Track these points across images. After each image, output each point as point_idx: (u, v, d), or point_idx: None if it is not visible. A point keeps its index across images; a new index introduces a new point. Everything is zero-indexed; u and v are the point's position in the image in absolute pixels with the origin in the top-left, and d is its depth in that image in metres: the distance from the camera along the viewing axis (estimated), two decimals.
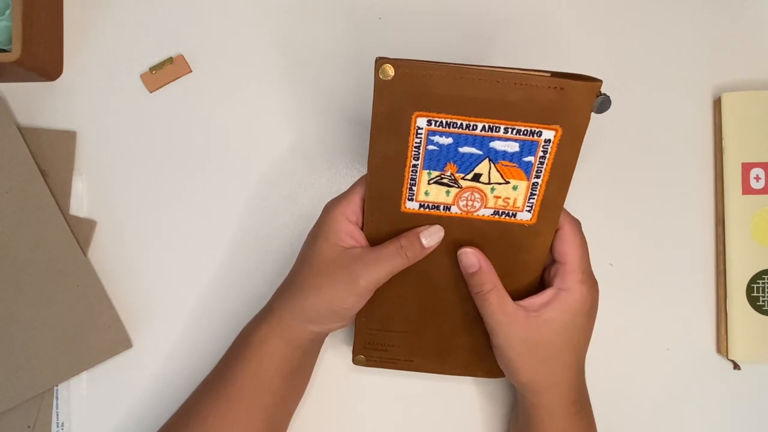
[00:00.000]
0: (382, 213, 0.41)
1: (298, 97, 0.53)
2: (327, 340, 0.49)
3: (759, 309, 0.49)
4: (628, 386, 0.51)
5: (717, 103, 0.51)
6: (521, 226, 0.41)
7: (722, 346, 0.50)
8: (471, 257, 0.41)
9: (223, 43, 0.53)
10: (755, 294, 0.49)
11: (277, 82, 0.53)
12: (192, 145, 0.52)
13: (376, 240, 0.42)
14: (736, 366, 0.51)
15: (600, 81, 0.36)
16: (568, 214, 0.42)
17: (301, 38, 0.53)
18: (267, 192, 0.52)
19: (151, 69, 0.52)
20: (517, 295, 0.42)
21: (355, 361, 0.48)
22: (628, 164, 0.52)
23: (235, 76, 0.53)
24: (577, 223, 0.42)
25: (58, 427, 0.50)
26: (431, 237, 0.41)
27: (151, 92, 0.53)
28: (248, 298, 0.51)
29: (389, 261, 0.40)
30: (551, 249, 0.42)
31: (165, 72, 0.52)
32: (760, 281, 0.49)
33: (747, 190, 0.50)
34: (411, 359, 0.47)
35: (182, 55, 0.52)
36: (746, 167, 0.50)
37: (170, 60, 0.52)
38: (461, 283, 0.43)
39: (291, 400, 0.46)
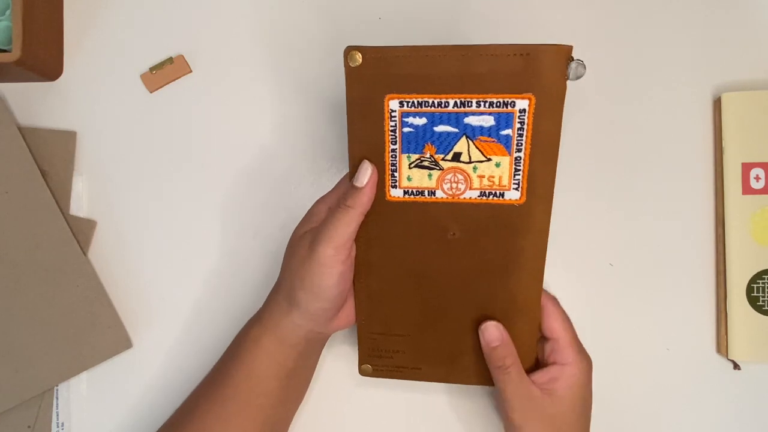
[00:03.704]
0: None
1: (298, 97, 0.53)
2: (329, 346, 0.48)
3: (759, 309, 0.49)
4: (628, 386, 0.51)
5: (717, 103, 0.51)
6: (511, 206, 0.39)
7: (722, 346, 0.50)
8: (494, 330, 0.41)
9: (223, 43, 0.53)
10: (755, 294, 0.49)
11: (278, 82, 0.53)
12: (192, 145, 0.52)
13: (364, 233, 0.41)
14: (736, 366, 0.50)
15: (569, 45, 0.35)
16: (544, 291, 0.43)
17: (302, 39, 0.53)
18: (267, 192, 0.52)
19: (151, 69, 0.52)
20: (520, 292, 0.42)
21: (362, 371, 0.46)
22: (628, 164, 0.52)
23: (235, 76, 0.53)
24: (555, 299, 0.44)
25: (58, 427, 0.50)
26: (359, 176, 0.39)
27: (151, 92, 0.53)
28: (248, 298, 0.51)
29: (335, 218, 0.39)
30: (540, 327, 0.43)
31: (165, 72, 0.52)
32: (760, 281, 0.49)
33: (747, 190, 0.50)
34: (418, 366, 0.46)
35: (182, 55, 0.52)
36: (746, 167, 0.50)
37: (170, 60, 0.52)
38: (461, 282, 0.42)
39: (290, 403, 0.45)
